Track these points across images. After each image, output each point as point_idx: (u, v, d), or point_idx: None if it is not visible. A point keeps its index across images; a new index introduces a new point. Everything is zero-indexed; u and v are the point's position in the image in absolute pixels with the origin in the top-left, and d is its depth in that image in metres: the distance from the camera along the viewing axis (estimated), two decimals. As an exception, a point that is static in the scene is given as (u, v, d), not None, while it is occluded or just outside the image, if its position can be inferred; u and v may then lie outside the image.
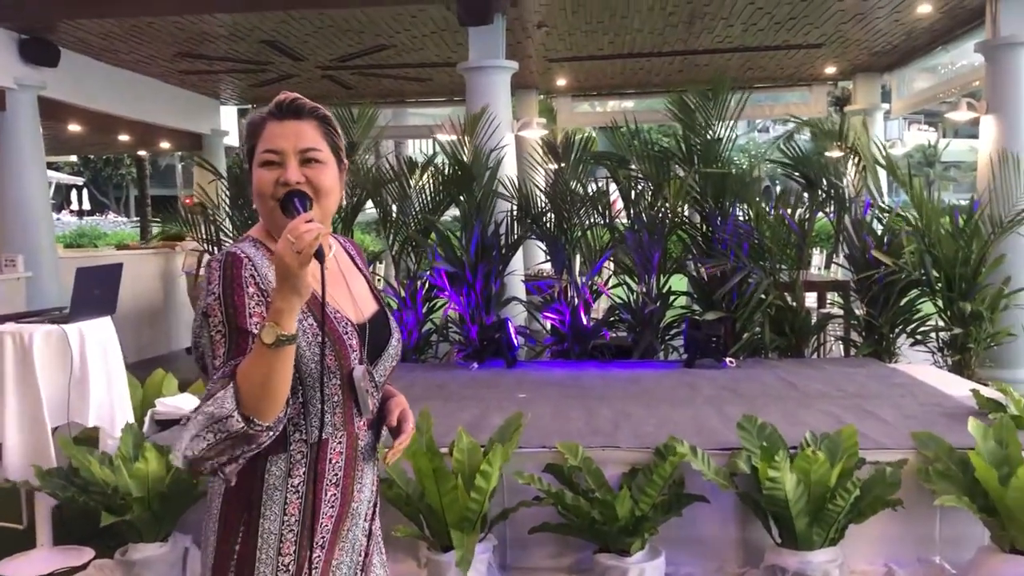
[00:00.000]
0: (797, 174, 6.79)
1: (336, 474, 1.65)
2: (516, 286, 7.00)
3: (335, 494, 1.65)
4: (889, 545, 3.90)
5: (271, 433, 1.48)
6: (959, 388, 5.09)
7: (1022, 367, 7.03)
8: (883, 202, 6.59)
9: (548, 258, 6.80)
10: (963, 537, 3.89)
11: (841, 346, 7.10)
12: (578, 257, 6.79)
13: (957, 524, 3.91)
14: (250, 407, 1.43)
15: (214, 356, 1.50)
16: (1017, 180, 6.73)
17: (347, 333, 1.64)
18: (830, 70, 11.21)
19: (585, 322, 6.49)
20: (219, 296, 1.51)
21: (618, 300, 6.73)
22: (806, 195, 6.82)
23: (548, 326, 6.78)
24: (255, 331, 1.48)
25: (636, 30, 8.77)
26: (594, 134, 13.16)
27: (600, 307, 7.25)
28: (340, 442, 1.65)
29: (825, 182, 6.63)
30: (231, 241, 6.75)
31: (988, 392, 4.51)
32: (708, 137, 6.52)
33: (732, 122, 6.50)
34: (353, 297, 1.73)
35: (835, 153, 7.15)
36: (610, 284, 6.98)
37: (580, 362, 6.24)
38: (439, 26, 8.32)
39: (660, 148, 6.94)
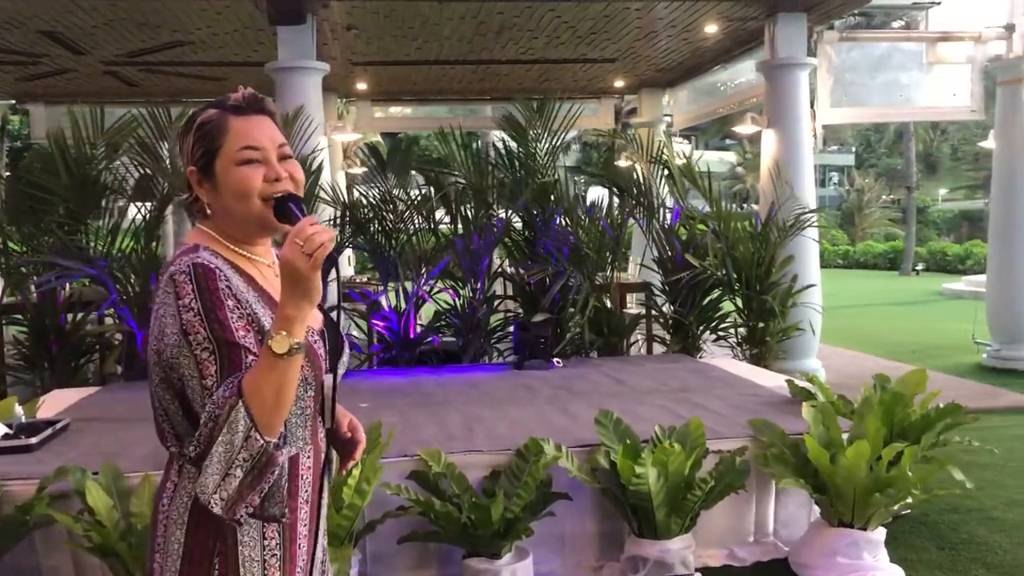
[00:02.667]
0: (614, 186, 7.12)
1: (307, 491, 1.56)
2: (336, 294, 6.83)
3: (307, 512, 1.55)
4: (730, 528, 4.18)
5: (283, 451, 1.38)
6: (768, 379, 5.54)
7: (808, 358, 7.75)
8: (690, 209, 7.05)
9: (372, 265, 6.70)
10: (793, 516, 4.26)
11: (654, 343, 7.49)
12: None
13: (788, 505, 4.26)
14: (263, 423, 1.34)
15: (202, 376, 1.38)
16: (806, 187, 7.42)
17: (316, 341, 1.57)
18: (619, 84, 11.83)
19: (413, 328, 6.46)
20: (199, 312, 1.40)
21: (444, 305, 6.74)
22: (616, 202, 7.16)
23: (374, 334, 6.68)
24: (247, 344, 1.38)
25: (445, 38, 8.83)
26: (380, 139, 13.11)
27: (422, 314, 7.22)
28: (308, 456, 1.57)
29: (636, 190, 6.99)
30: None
31: (801, 383, 4.93)
32: (532, 149, 6.70)
33: (561, 132, 6.71)
34: None
35: (624, 163, 7.56)
36: (434, 290, 6.97)
37: (411, 369, 6.19)
38: (244, 24, 7.97)
39: (486, 156, 7.03)
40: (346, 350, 1.71)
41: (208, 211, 1.56)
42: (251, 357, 1.40)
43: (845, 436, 4.02)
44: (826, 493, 3.87)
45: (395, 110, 13.46)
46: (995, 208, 8.78)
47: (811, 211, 7.18)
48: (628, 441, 3.88)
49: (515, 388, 5.42)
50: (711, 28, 8.67)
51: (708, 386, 5.33)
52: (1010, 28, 8.42)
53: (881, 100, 8.67)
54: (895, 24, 17.05)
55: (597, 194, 7.78)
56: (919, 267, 24.57)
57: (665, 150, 7.32)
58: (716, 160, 35.18)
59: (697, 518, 3.83)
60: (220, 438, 1.31)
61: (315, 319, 1.62)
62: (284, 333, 1.33)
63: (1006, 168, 8.54)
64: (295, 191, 1.55)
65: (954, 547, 4.23)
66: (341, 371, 1.67)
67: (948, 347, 10.24)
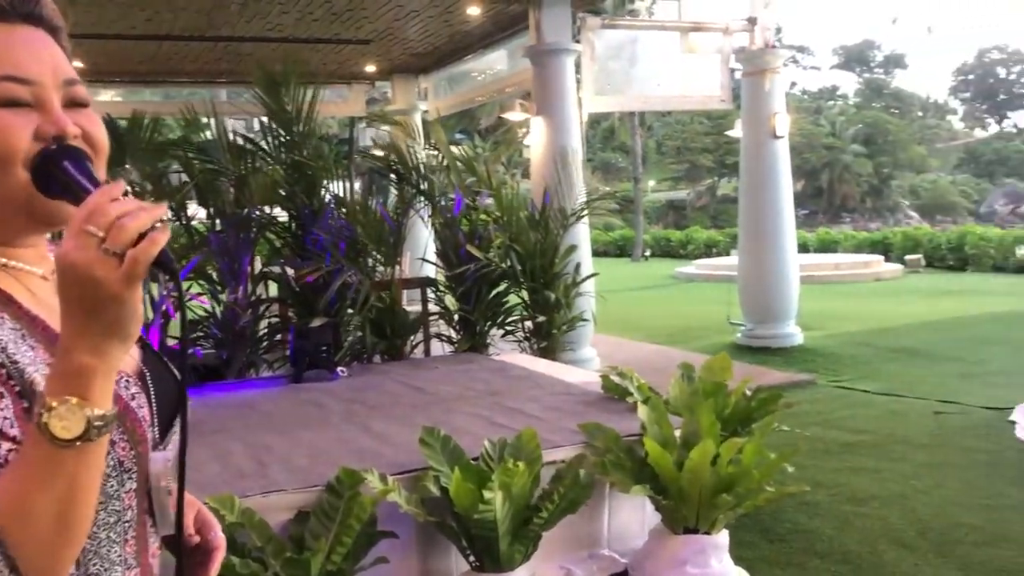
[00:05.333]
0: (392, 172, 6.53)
1: None
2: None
3: None
4: (564, 545, 3.79)
5: None
6: (573, 375, 5.25)
7: (586, 347, 7.64)
8: (475, 199, 6.63)
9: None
10: (627, 526, 3.95)
11: (440, 343, 7.01)
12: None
13: (621, 513, 3.95)
14: (37, 568, 0.75)
15: None
16: (576, 175, 7.25)
17: (133, 398, 0.94)
18: (371, 69, 11.21)
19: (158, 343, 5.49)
20: None
21: (202, 313, 5.83)
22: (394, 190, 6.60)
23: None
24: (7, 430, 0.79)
25: (180, 8, 7.76)
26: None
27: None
28: None
29: (416, 178, 6.46)
30: None
31: (615, 378, 4.66)
32: (295, 130, 5.95)
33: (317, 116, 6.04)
34: None
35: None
36: (187, 297, 6.02)
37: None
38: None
39: (244, 138, 6.17)
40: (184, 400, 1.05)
41: None
42: (5, 446, 0.79)
43: (677, 433, 3.78)
44: (669, 497, 3.59)
45: (110, 94, 11.93)
46: (744, 195, 9.19)
47: (598, 198, 7.04)
48: (461, 462, 3.37)
49: (301, 406, 4.70)
50: (473, 10, 8.32)
51: (516, 388, 4.92)
52: (752, 21, 8.82)
53: (641, 88, 8.78)
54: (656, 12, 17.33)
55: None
56: (647, 253, 26.09)
57: (438, 136, 6.86)
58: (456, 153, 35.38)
59: (539, 542, 3.40)
60: None
61: (129, 360, 0.97)
62: (73, 400, 0.75)
63: (753, 156, 8.94)
64: (93, 158, 0.91)
65: (783, 539, 4.14)
66: (183, 436, 1.03)
67: (701, 328, 10.69)
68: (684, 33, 8.74)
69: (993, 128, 65.45)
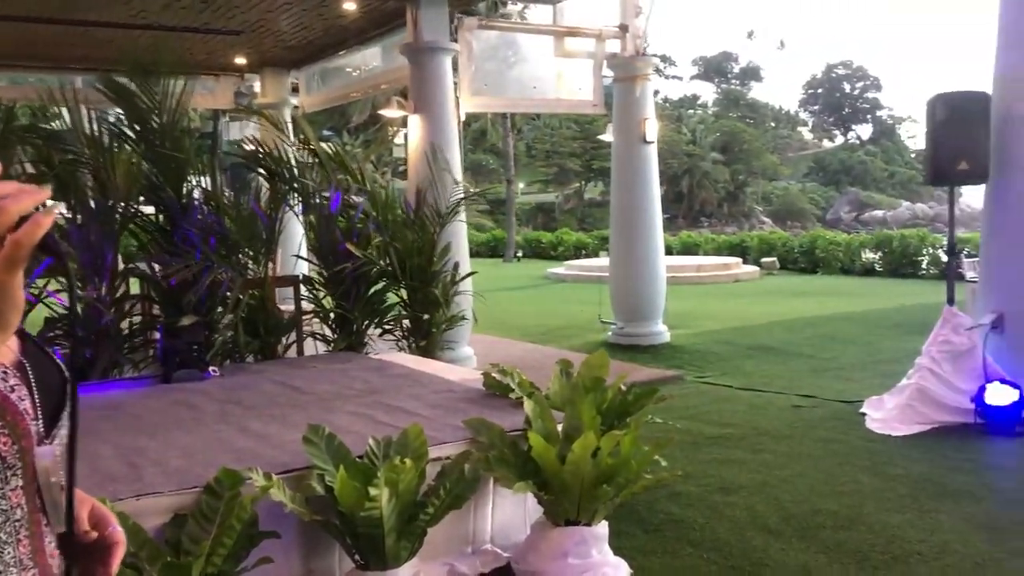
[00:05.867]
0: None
1: None
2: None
3: None
4: (448, 541, 3.80)
5: None
6: (453, 374, 5.27)
7: (464, 346, 7.67)
8: (351, 196, 6.53)
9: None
10: (510, 520, 4.00)
11: (314, 342, 6.87)
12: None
13: (505, 507, 3.99)
14: None
15: None
16: (454, 174, 7.27)
17: (13, 389, 0.91)
18: (240, 61, 10.88)
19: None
20: None
21: (60, 311, 5.51)
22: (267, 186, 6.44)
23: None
24: None
25: (35, -12, 7.33)
26: None
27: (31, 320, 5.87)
28: None
29: (288, 174, 6.32)
30: None
31: (497, 375, 4.70)
32: (156, 121, 5.72)
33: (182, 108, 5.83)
34: None
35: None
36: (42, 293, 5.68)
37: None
38: None
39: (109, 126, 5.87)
40: (69, 390, 1.02)
41: None
42: None
43: (559, 427, 3.86)
44: (551, 491, 3.66)
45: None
46: (615, 198, 9.44)
47: (473, 195, 7.06)
48: (346, 460, 3.32)
49: (172, 407, 4.52)
50: (349, 5, 8.21)
51: (396, 386, 4.89)
52: (624, 28, 9.07)
53: (517, 90, 8.88)
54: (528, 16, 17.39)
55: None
56: (519, 254, 26.40)
57: (306, 131, 6.74)
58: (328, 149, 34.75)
59: (424, 538, 3.40)
60: None
61: (7, 351, 0.93)
62: None
63: (624, 160, 9.19)
64: None
65: (657, 528, 4.28)
66: (69, 429, 1.00)
67: (573, 327, 10.91)
68: (559, 37, 8.90)
69: (839, 139, 69.60)
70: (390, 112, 8.29)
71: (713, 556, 3.94)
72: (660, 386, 5.64)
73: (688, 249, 21.43)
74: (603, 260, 20.56)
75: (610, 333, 9.52)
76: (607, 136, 9.96)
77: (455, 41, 8.10)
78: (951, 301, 6.24)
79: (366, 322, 6.50)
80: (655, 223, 9.20)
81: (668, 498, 4.61)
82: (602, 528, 3.73)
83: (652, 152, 9.13)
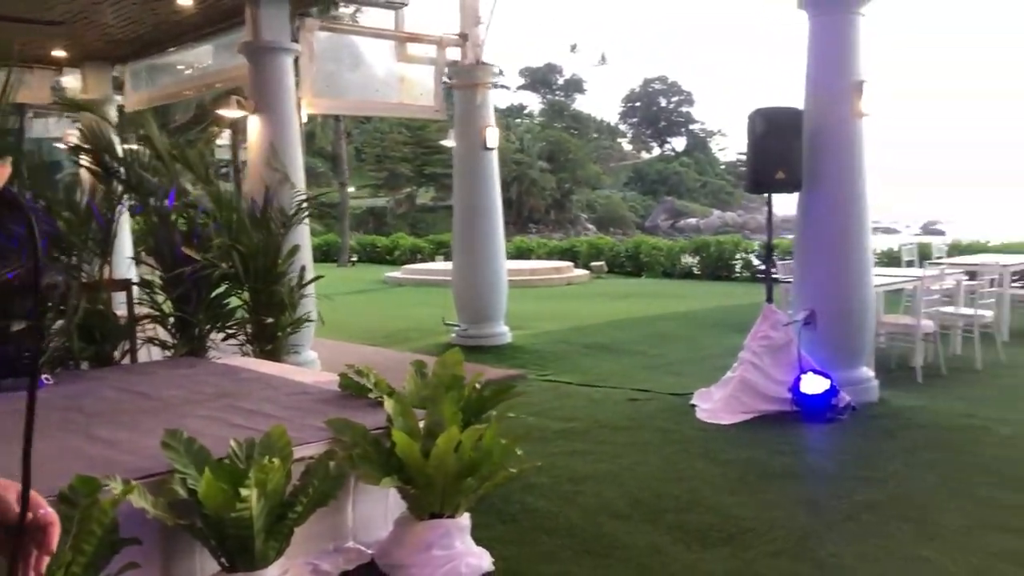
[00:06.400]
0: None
1: None
2: None
3: None
4: (310, 540, 3.81)
5: None
6: (306, 376, 5.24)
7: (308, 349, 7.58)
8: (191, 196, 6.33)
9: None
10: (371, 516, 4.04)
11: (151, 348, 6.60)
12: None
13: (366, 504, 4.04)
14: None
15: None
16: (296, 175, 7.19)
17: None
18: (59, 54, 10.24)
19: None
20: None
21: None
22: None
23: None
24: None
25: None
26: None
27: None
28: None
29: (127, 172, 6.06)
30: None
31: (354, 376, 4.72)
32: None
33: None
34: None
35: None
36: None
37: None
38: None
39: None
40: None
41: None
42: None
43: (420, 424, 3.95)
44: (415, 486, 3.74)
45: None
46: (458, 203, 9.59)
47: (314, 196, 7.02)
48: (209, 463, 3.28)
49: (5, 416, 4.24)
50: (184, 1, 7.94)
51: (248, 389, 4.82)
52: (464, 37, 9.25)
53: (360, 93, 8.86)
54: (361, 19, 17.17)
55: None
56: (354, 259, 26.09)
57: (149, 128, 6.49)
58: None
59: (291, 537, 3.40)
60: None
61: None
62: None
63: (466, 166, 9.37)
64: None
65: (514, 519, 4.44)
66: None
67: (416, 330, 10.97)
68: (401, 42, 8.96)
69: (656, 151, 73.04)
70: (229, 112, 8.07)
71: (568, 542, 4.14)
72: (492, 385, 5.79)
73: (522, 253, 21.92)
74: (440, 264, 20.74)
75: (454, 335, 9.65)
76: (449, 142, 10.11)
77: (296, 41, 8.00)
78: (770, 299, 6.80)
79: (208, 326, 6.33)
80: (497, 227, 9.42)
81: (522, 489, 4.78)
82: (465, 520, 3.85)
83: (493, 158, 9.36)
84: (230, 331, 6.48)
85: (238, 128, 22.40)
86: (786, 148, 6.41)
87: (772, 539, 4.11)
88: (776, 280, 7.84)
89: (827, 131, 6.46)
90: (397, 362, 7.73)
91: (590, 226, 50.98)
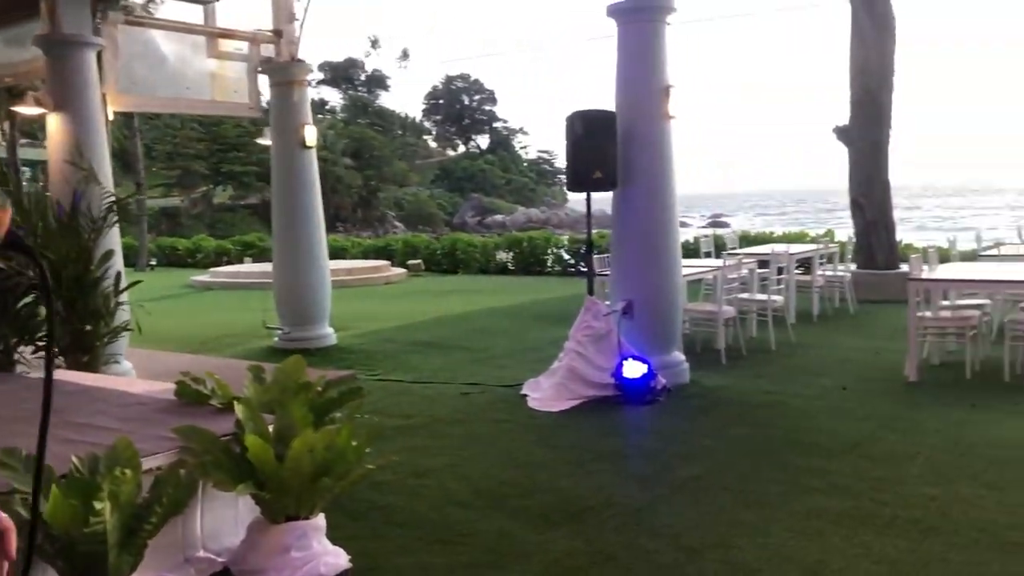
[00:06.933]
0: None
1: None
2: None
3: None
4: (157, 552, 3.70)
5: None
6: (134, 386, 5.05)
7: (123, 358, 7.24)
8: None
9: None
10: (220, 524, 3.98)
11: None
12: None
13: (214, 513, 3.97)
14: None
15: None
16: (104, 176, 6.85)
17: None
18: None
19: None
20: None
21: None
22: None
23: None
24: None
25: None
26: None
27: None
28: None
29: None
30: None
31: (193, 384, 4.60)
32: None
33: None
34: None
35: None
36: None
37: None
38: None
39: None
40: None
41: None
42: None
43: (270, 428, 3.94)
44: (270, 490, 3.73)
45: None
46: (277, 203, 9.41)
47: (126, 198, 6.73)
48: (54, 480, 3.14)
49: None
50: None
51: (75, 403, 4.58)
52: (278, 33, 9.08)
53: (169, 90, 8.49)
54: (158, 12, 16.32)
55: None
56: (152, 262, 24.75)
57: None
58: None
59: (145, 550, 3.32)
60: None
61: None
62: None
63: (284, 165, 9.21)
64: None
65: (363, 516, 4.51)
66: None
67: (233, 335, 10.64)
68: (212, 39, 8.68)
69: (461, 148, 73.95)
70: (26, 109, 7.53)
71: (419, 533, 4.26)
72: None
73: (336, 253, 21.54)
74: (250, 266, 20.10)
75: (276, 339, 9.47)
76: (265, 140, 9.89)
77: (98, 35, 7.59)
78: (591, 292, 7.18)
79: (15, 339, 5.91)
80: (319, 227, 9.34)
81: (368, 487, 4.83)
82: (320, 520, 3.88)
83: (312, 157, 9.26)
84: (40, 343, 6.07)
85: (14, 123, 20.73)
86: (602, 149, 6.79)
87: (610, 515, 4.40)
88: (596, 274, 8.26)
89: (638, 132, 6.90)
90: (219, 369, 7.44)
91: (398, 224, 50.92)
